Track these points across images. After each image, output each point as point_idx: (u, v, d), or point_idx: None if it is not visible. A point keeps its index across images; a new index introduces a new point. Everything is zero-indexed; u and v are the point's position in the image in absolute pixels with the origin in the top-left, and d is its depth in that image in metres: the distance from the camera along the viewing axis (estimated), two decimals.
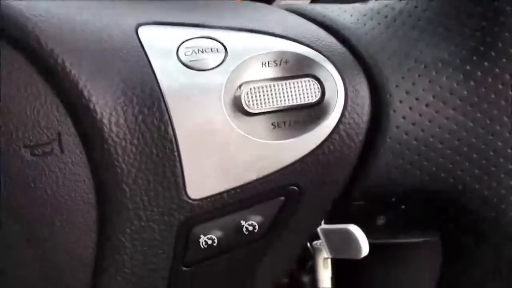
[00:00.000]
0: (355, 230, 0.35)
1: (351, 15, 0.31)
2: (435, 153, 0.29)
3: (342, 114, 0.28)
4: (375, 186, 0.30)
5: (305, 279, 0.45)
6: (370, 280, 0.49)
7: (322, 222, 0.38)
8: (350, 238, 0.35)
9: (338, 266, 0.42)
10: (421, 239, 0.47)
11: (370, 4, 0.32)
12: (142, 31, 0.28)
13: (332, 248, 0.38)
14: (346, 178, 0.30)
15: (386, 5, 0.31)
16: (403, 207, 0.47)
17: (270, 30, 0.29)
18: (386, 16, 0.30)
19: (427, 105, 0.29)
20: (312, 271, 0.42)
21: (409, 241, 0.48)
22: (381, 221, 0.48)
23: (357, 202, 0.45)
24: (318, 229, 0.38)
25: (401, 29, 0.30)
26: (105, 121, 0.25)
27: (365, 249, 0.35)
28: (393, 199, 0.37)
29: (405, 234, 0.48)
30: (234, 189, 0.28)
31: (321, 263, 0.41)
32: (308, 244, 0.41)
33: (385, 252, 0.48)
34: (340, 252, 0.37)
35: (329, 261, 0.41)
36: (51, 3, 0.27)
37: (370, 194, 0.31)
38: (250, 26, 0.29)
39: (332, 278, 0.41)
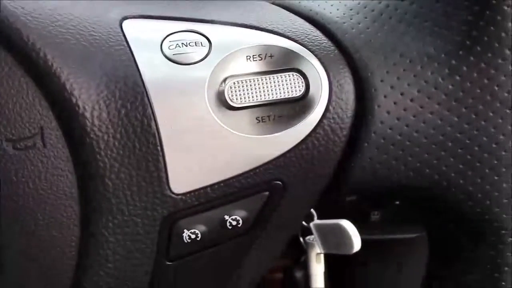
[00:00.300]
0: (347, 225, 0.35)
1: (338, 9, 0.31)
2: (419, 148, 0.29)
3: (327, 109, 0.28)
4: (360, 182, 0.30)
5: (298, 274, 0.45)
6: (363, 276, 0.49)
7: (315, 217, 0.38)
8: (342, 233, 0.35)
9: (332, 262, 0.42)
10: (415, 235, 0.47)
11: None
12: (127, 24, 0.27)
13: (324, 243, 0.38)
14: (330, 173, 0.30)
15: None
16: (397, 202, 0.47)
17: (255, 24, 0.29)
18: (372, 10, 0.30)
19: (411, 100, 0.29)
20: (305, 267, 0.42)
21: (403, 237, 0.48)
22: (375, 216, 0.48)
23: (349, 197, 0.45)
24: (311, 224, 0.38)
25: (388, 23, 0.29)
26: (88, 115, 0.25)
27: (357, 244, 0.34)
28: (385, 195, 0.37)
29: (399, 230, 0.48)
30: (217, 183, 0.28)
31: (314, 259, 0.41)
32: (301, 239, 0.41)
33: (379, 248, 0.48)
34: (333, 247, 0.37)
35: (322, 256, 0.41)
36: None
37: (357, 189, 0.31)
38: (235, 20, 0.29)
39: (325, 273, 0.41)
